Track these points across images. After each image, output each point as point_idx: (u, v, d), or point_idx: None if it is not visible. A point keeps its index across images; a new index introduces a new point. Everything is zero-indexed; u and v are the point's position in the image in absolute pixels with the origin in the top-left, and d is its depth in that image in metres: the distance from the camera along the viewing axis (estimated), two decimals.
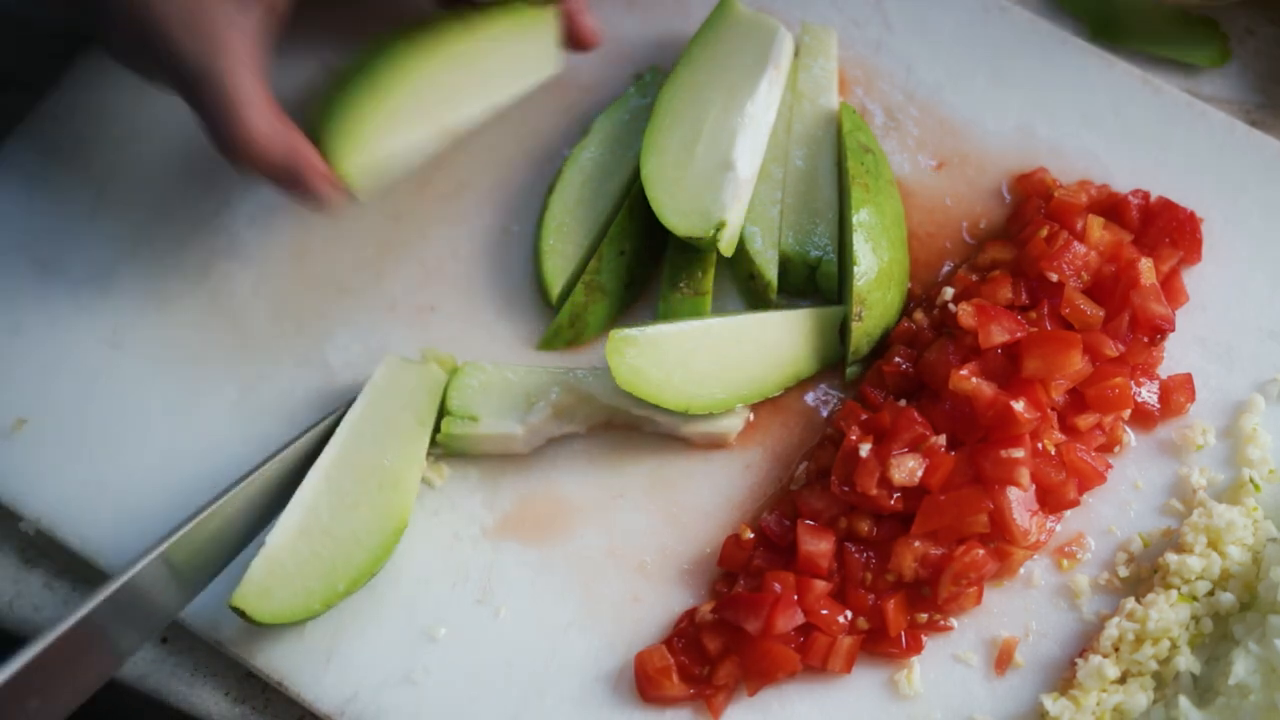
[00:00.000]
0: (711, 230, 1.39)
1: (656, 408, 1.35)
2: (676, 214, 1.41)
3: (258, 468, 1.32)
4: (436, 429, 1.38)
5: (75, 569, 1.40)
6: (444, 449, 1.40)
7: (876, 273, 1.40)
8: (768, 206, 1.46)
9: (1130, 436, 1.39)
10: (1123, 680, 1.28)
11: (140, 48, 1.31)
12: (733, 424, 1.40)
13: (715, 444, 1.41)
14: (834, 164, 1.47)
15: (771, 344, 1.41)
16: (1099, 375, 1.35)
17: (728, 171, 1.41)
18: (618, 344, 1.35)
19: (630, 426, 1.41)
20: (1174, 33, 1.60)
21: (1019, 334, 1.33)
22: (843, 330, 1.43)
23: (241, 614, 1.27)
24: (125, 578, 1.21)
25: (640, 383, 1.34)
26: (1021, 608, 1.33)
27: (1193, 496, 1.35)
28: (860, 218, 1.40)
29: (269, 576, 1.28)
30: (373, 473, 1.34)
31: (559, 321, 1.44)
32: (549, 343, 1.45)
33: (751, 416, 1.42)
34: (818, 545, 1.31)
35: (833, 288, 1.45)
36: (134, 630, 1.25)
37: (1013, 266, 1.42)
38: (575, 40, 1.48)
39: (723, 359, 1.38)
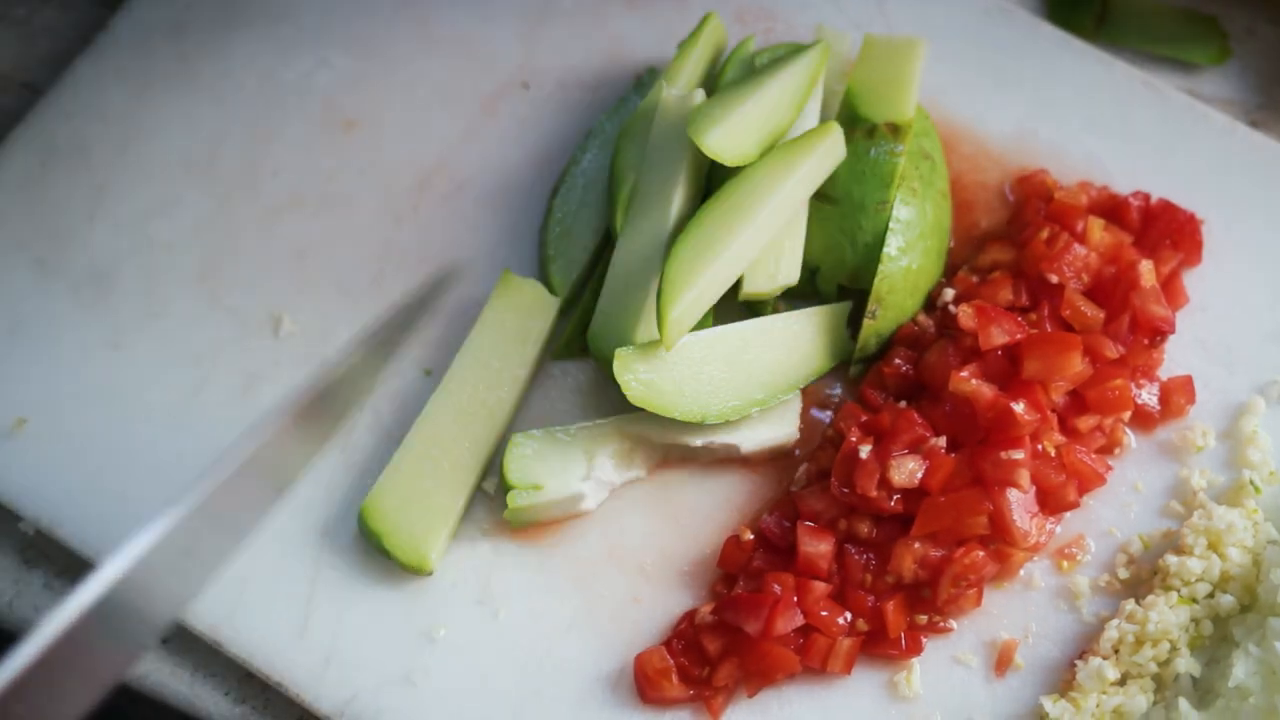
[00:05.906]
0: (775, 292, 1.41)
1: (707, 428, 1.34)
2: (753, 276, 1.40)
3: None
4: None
5: (75, 569, 1.40)
6: (512, 523, 1.37)
7: (901, 275, 1.39)
8: None
9: (1130, 438, 1.39)
10: (1122, 682, 1.27)
11: None
12: (787, 434, 1.38)
13: (775, 458, 1.40)
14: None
15: (780, 346, 1.40)
16: (1099, 377, 1.35)
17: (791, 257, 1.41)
18: (625, 361, 1.32)
19: (689, 459, 1.40)
20: (1174, 31, 1.60)
21: (1019, 335, 1.33)
22: (851, 325, 1.43)
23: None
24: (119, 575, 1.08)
25: (653, 398, 1.32)
26: (1021, 609, 1.33)
27: (1193, 498, 1.35)
28: (899, 215, 1.39)
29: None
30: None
31: (568, 333, 1.43)
32: (562, 354, 1.44)
33: (800, 426, 1.40)
34: (817, 547, 1.31)
35: (832, 292, 1.44)
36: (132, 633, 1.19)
37: (1013, 268, 1.42)
38: None
39: (733, 365, 1.37)
